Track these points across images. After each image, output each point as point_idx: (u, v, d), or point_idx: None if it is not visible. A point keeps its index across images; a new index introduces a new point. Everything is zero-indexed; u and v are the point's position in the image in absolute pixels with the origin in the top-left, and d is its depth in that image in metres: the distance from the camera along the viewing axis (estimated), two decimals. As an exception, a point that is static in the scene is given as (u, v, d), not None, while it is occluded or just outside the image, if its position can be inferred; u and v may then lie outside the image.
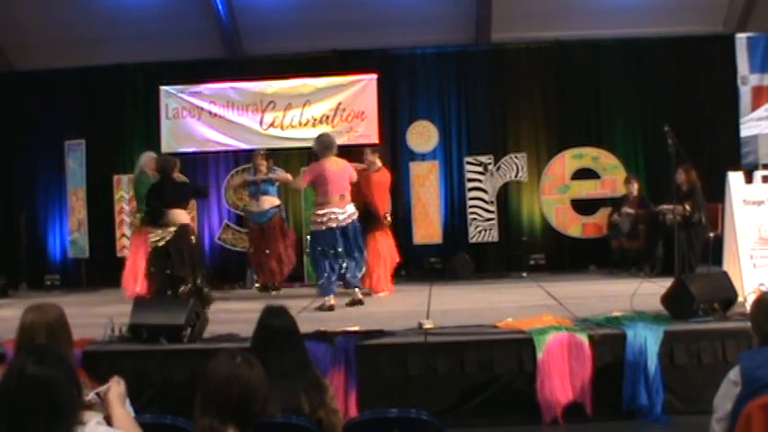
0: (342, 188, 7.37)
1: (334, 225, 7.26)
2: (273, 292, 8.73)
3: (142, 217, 8.35)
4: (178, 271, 6.96)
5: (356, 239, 7.46)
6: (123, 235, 10.45)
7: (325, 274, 7.31)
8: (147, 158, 8.84)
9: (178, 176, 7.68)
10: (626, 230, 9.70)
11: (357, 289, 7.47)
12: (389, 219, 8.61)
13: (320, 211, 7.35)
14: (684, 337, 5.26)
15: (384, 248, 8.39)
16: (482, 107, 10.85)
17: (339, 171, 7.41)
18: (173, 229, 7.04)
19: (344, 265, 7.33)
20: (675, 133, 6.99)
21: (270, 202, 8.80)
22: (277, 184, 8.90)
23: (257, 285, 9.13)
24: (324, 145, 7.53)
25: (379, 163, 8.54)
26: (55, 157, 10.78)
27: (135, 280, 8.50)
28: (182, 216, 7.16)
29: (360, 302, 7.37)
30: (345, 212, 7.35)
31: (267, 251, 8.80)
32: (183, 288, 6.94)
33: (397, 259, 8.70)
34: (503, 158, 10.41)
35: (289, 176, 9.23)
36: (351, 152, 10.51)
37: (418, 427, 3.05)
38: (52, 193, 11.10)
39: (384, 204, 8.43)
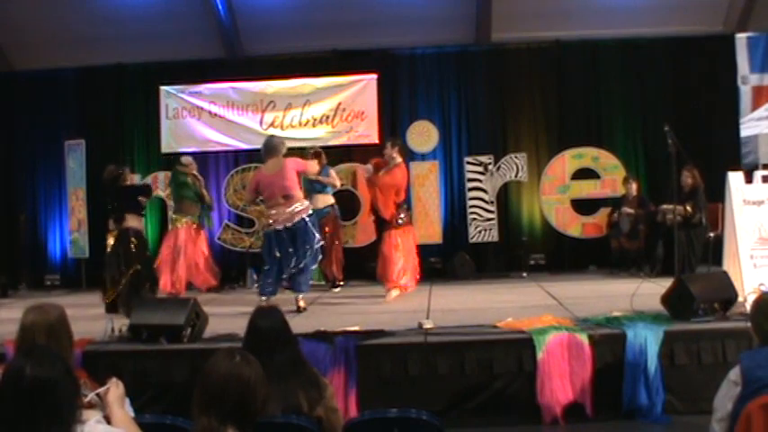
0: (282, 188, 7.11)
1: (280, 227, 7.10)
2: (336, 290, 8.84)
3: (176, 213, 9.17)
4: (109, 273, 7.38)
5: (305, 238, 7.11)
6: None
7: (269, 275, 7.22)
8: (184, 162, 9.26)
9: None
10: (626, 230, 9.70)
11: (300, 295, 7.23)
12: (404, 217, 8.06)
13: (269, 212, 7.31)
14: (684, 337, 5.26)
15: (393, 246, 7.90)
16: (482, 107, 10.84)
17: (276, 173, 7.14)
18: (115, 233, 7.49)
19: (292, 266, 7.12)
20: (675, 133, 6.99)
21: (323, 200, 8.86)
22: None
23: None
24: (263, 150, 7.41)
25: (398, 158, 8.01)
26: (55, 157, 10.79)
27: (166, 273, 8.86)
28: (129, 220, 7.48)
29: (300, 310, 7.14)
30: (291, 212, 7.09)
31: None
32: (109, 291, 7.37)
33: (393, 265, 7.95)
34: (503, 158, 10.40)
35: (336, 180, 9.00)
36: (351, 152, 10.58)
37: (418, 427, 3.05)
38: (52, 193, 11.10)
39: (389, 207, 7.90)
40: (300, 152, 9.69)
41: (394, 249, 7.88)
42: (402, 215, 8.03)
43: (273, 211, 7.19)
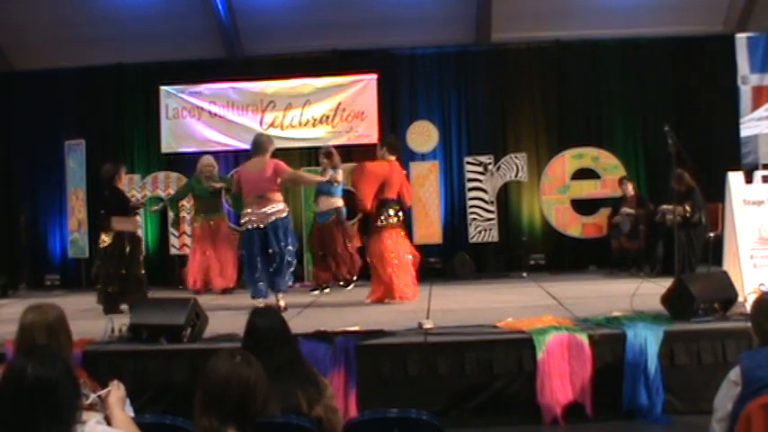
0: (259, 189, 7.05)
1: (252, 226, 7.06)
2: (348, 287, 8.76)
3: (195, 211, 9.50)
4: (101, 271, 7.62)
5: (281, 238, 7.03)
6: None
7: (254, 276, 7.17)
8: (203, 164, 9.34)
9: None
10: (626, 230, 9.70)
11: (280, 294, 7.12)
12: (390, 217, 7.53)
13: (244, 210, 7.27)
14: (684, 337, 5.26)
15: (370, 253, 7.61)
16: (482, 107, 10.86)
17: (256, 172, 7.11)
18: (111, 234, 7.61)
19: (271, 266, 7.04)
20: (675, 133, 6.99)
21: (327, 203, 8.81)
22: (341, 184, 8.80)
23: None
24: (252, 146, 7.41)
25: (389, 156, 7.69)
26: (55, 157, 10.79)
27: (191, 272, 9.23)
28: (120, 223, 7.63)
29: (281, 309, 6.88)
30: (265, 212, 7.03)
31: (321, 253, 8.86)
32: (98, 287, 7.65)
33: (388, 267, 7.48)
34: (503, 158, 10.40)
35: (338, 176, 8.73)
36: (351, 152, 10.58)
37: (418, 427, 3.04)
38: (52, 193, 11.10)
39: (368, 197, 7.50)
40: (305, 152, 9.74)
41: (373, 259, 7.58)
42: (392, 214, 7.55)
43: (248, 210, 7.15)
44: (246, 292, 7.56)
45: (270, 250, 7.01)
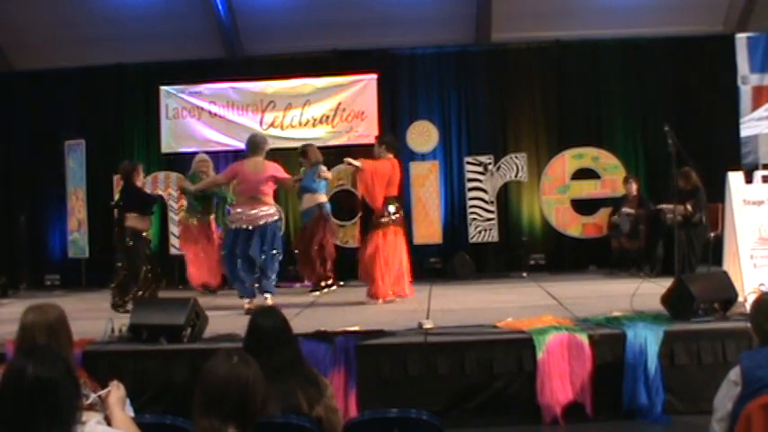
0: (254, 190, 7.11)
1: (243, 226, 7.08)
2: (327, 290, 8.68)
3: (186, 211, 9.49)
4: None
5: (267, 242, 7.09)
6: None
7: (239, 276, 7.15)
8: (196, 161, 9.38)
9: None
10: (626, 230, 9.70)
11: (267, 295, 7.14)
12: (392, 214, 7.59)
13: (234, 210, 7.31)
14: (684, 337, 5.26)
15: (369, 251, 7.55)
16: (482, 107, 10.85)
17: (254, 172, 7.14)
18: (119, 230, 7.74)
19: (253, 268, 7.05)
20: (675, 133, 7.00)
21: (309, 200, 8.74)
22: (325, 181, 8.77)
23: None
24: (248, 145, 7.41)
25: (387, 154, 7.74)
26: (55, 157, 10.77)
27: (196, 269, 9.24)
28: (129, 219, 7.69)
29: None
30: (255, 214, 7.07)
31: (296, 251, 8.84)
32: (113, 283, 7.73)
33: (378, 266, 7.49)
34: (503, 158, 10.40)
35: (327, 174, 8.78)
36: (351, 152, 10.58)
37: (418, 427, 3.04)
38: (52, 193, 11.09)
39: (378, 197, 7.53)
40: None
41: (370, 257, 7.52)
42: (393, 212, 7.60)
43: (239, 209, 7.21)
44: (236, 292, 7.59)
45: (251, 253, 7.03)
